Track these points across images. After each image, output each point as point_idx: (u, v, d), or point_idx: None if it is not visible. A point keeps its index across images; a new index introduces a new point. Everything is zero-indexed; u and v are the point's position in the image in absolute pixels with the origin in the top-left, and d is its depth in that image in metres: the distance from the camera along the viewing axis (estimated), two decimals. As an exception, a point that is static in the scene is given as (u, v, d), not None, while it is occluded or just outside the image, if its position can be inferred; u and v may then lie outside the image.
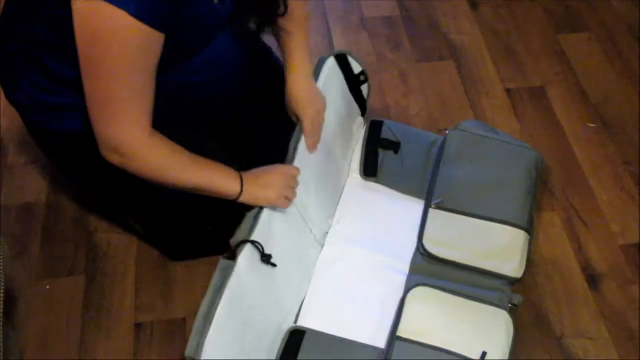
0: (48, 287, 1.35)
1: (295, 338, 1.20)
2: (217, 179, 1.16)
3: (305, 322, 1.24)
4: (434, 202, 1.37)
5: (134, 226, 1.40)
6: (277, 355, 1.17)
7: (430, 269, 1.30)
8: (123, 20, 0.94)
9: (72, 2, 0.95)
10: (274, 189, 1.20)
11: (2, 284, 1.07)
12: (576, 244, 1.41)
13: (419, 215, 1.38)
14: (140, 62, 1.01)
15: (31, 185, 1.51)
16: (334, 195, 1.41)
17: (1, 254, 1.09)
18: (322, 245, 1.34)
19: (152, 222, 1.34)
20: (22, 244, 1.41)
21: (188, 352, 1.02)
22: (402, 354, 1.17)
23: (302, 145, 1.28)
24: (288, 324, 1.22)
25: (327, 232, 1.36)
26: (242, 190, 1.17)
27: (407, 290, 1.24)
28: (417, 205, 1.40)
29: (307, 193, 1.28)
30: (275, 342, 1.19)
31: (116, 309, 1.32)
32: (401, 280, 1.29)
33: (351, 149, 1.48)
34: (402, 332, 1.19)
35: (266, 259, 1.15)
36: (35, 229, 1.44)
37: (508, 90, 1.69)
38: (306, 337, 1.20)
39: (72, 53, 1.07)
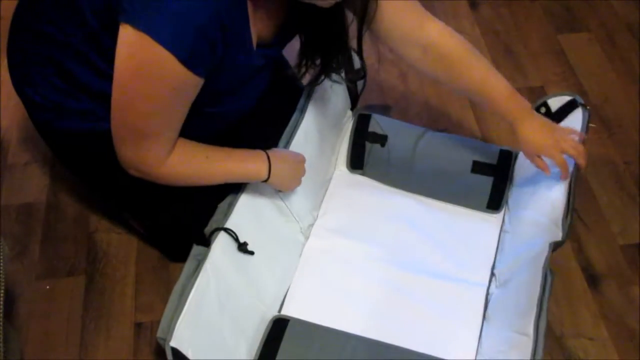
0: (48, 287, 1.35)
1: (279, 326, 1.21)
2: (242, 173, 1.18)
3: (289, 312, 1.25)
4: None
5: (135, 226, 1.40)
6: (260, 343, 1.18)
7: None
8: (170, 64, 0.94)
9: (121, 25, 0.94)
10: (291, 177, 1.24)
11: (2, 284, 1.07)
12: (576, 244, 1.41)
13: (404, 207, 1.39)
14: (177, 103, 1.03)
15: (31, 185, 1.51)
16: (320, 187, 1.42)
17: (1, 254, 1.09)
18: (308, 237, 1.36)
19: (153, 223, 1.34)
20: (22, 244, 1.41)
21: (160, 333, 1.02)
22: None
23: (295, 138, 1.29)
24: (272, 313, 1.23)
25: (313, 224, 1.38)
26: (269, 178, 1.19)
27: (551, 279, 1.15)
28: (403, 198, 1.41)
29: None
30: (258, 331, 1.20)
31: (116, 309, 1.32)
32: (386, 270, 1.30)
33: (338, 142, 1.49)
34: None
35: (242, 247, 1.17)
36: (35, 229, 1.44)
37: (508, 90, 1.69)
38: (289, 325, 1.21)
39: (101, 65, 1.07)
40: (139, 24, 0.92)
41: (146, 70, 0.96)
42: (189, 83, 1.00)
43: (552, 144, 1.25)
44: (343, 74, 1.31)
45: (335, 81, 1.35)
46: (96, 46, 1.07)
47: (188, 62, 0.95)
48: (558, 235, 1.20)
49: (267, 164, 1.18)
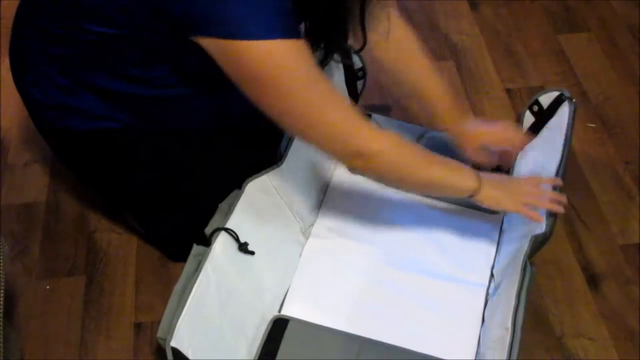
0: (48, 287, 1.35)
1: (279, 326, 1.20)
2: (454, 174, 1.13)
3: (289, 312, 1.25)
4: None
5: (135, 226, 1.40)
6: (260, 343, 1.18)
7: None
8: (277, 50, 0.92)
9: (200, 39, 0.92)
10: (512, 193, 1.15)
11: (2, 284, 1.07)
12: (576, 244, 1.41)
13: (404, 207, 1.39)
14: (315, 73, 0.98)
15: (31, 185, 1.51)
16: (320, 187, 1.42)
17: (1, 254, 1.09)
18: (308, 237, 1.36)
19: (154, 223, 1.34)
20: (22, 244, 1.41)
21: (160, 333, 1.02)
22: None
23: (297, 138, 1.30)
24: (272, 313, 1.23)
25: (313, 224, 1.38)
26: (479, 188, 1.13)
27: (530, 270, 1.14)
28: (403, 198, 1.41)
29: (295, 184, 1.30)
30: (258, 331, 1.20)
31: (116, 309, 1.32)
32: (387, 270, 1.30)
33: None
34: None
35: (243, 247, 1.17)
36: (35, 229, 1.44)
37: (508, 90, 1.69)
38: (289, 325, 1.21)
39: (110, 62, 1.06)
40: (223, 34, 0.90)
41: (263, 72, 0.93)
42: (302, 49, 0.96)
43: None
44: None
45: (339, 61, 1.35)
46: (112, 45, 1.05)
47: (288, 33, 0.92)
48: (542, 228, 1.19)
49: (476, 179, 1.13)
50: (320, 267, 1.32)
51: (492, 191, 1.15)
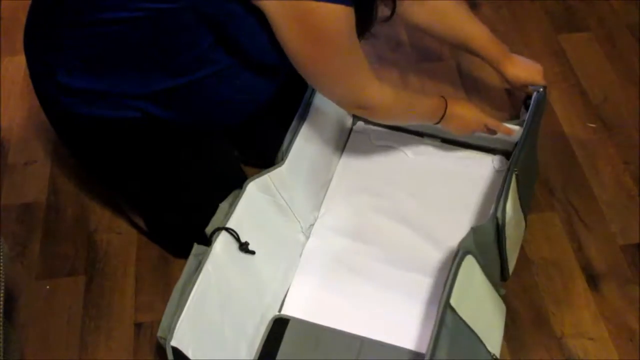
0: (48, 287, 1.35)
1: (279, 326, 1.21)
2: (433, 107, 1.28)
3: (289, 312, 1.25)
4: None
5: (136, 222, 1.40)
6: (260, 343, 1.18)
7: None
8: (345, 13, 0.99)
9: (265, 1, 0.97)
10: (464, 127, 1.33)
11: (2, 284, 1.07)
12: (576, 244, 1.41)
13: (404, 208, 1.40)
14: (355, 40, 1.08)
15: (31, 185, 1.51)
16: (321, 187, 1.42)
17: (1, 254, 1.09)
18: (308, 237, 1.36)
19: (156, 220, 1.34)
20: (22, 244, 1.41)
21: (160, 332, 1.03)
22: (452, 322, 1.06)
23: (297, 138, 1.30)
24: (272, 313, 1.23)
25: (313, 224, 1.38)
26: (443, 116, 1.28)
27: (461, 255, 1.09)
28: (403, 198, 1.42)
29: (296, 184, 1.30)
30: (258, 330, 1.20)
31: (116, 309, 1.32)
32: (387, 270, 1.30)
33: (339, 141, 1.50)
34: (453, 300, 1.05)
35: (243, 247, 1.17)
36: (35, 229, 1.44)
37: (508, 90, 1.69)
38: (289, 325, 1.21)
39: (159, 52, 1.08)
40: None
41: (326, 32, 1.00)
42: (353, 16, 1.03)
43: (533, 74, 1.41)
44: None
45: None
46: (161, 22, 1.04)
47: (347, 0, 0.99)
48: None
49: (444, 107, 1.28)
50: (321, 267, 1.32)
51: (450, 120, 1.31)
